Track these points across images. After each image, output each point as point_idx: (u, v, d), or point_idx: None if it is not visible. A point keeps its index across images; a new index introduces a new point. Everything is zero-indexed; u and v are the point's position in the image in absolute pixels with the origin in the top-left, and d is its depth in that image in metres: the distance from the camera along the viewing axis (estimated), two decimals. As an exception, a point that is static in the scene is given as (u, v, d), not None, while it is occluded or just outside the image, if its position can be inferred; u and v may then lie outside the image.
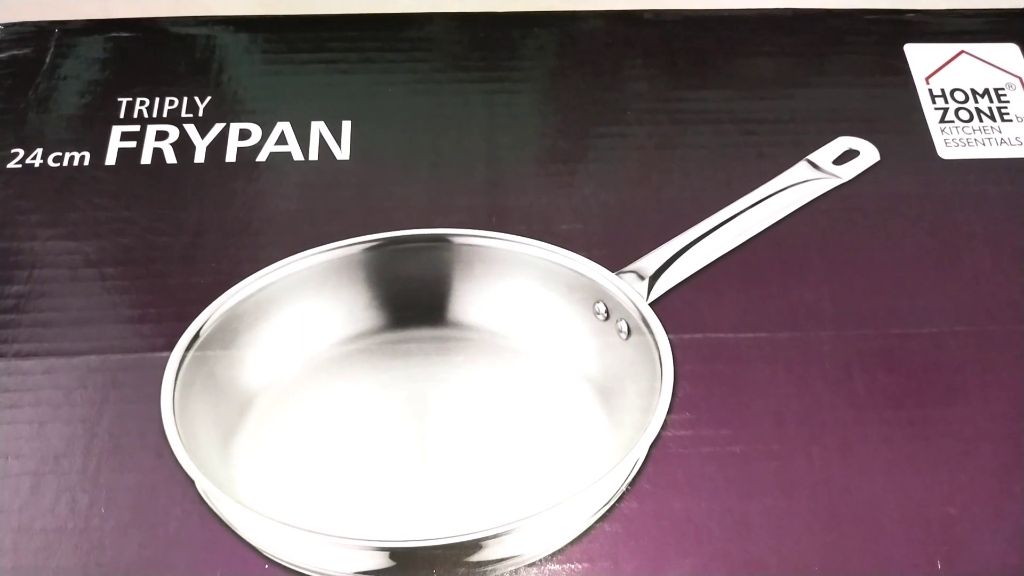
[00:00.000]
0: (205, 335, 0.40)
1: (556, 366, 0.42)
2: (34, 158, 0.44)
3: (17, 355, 0.39)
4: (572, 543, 0.36)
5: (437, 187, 0.44)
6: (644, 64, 0.47)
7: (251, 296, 0.41)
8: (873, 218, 0.43)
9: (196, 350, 0.39)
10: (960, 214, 0.44)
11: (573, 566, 0.35)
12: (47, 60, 0.48)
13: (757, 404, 0.38)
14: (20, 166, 0.44)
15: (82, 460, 0.37)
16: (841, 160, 0.44)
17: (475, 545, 0.35)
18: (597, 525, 0.36)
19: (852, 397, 0.39)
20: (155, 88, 0.46)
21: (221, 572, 0.35)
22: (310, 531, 0.35)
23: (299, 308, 0.42)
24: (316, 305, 0.42)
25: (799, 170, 0.44)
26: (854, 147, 0.45)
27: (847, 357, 0.40)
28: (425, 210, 0.43)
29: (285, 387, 0.41)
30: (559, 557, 0.35)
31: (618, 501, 0.36)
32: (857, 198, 0.44)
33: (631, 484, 0.36)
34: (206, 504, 0.36)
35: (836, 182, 0.44)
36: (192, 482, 0.36)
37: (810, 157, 0.45)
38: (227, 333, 0.40)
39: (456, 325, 0.42)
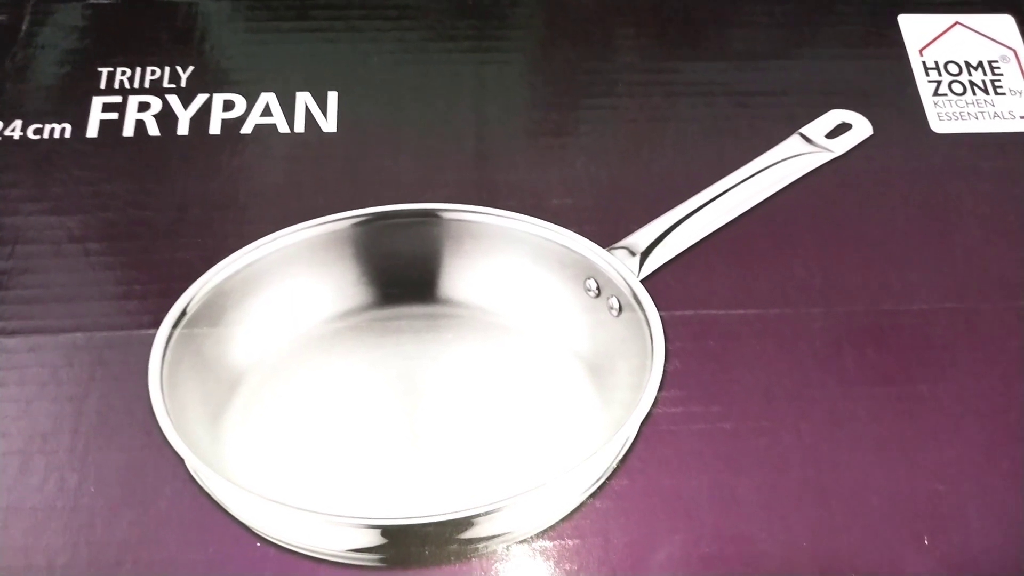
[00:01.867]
0: (192, 312, 0.39)
1: (547, 343, 0.42)
2: (13, 130, 0.43)
3: (1, 332, 0.39)
4: (563, 520, 0.36)
5: (426, 161, 0.43)
6: (636, 35, 0.47)
7: (238, 272, 0.40)
8: (864, 193, 0.43)
9: (183, 327, 0.39)
10: (952, 189, 0.44)
11: (564, 543, 0.36)
12: (23, 27, 0.47)
13: (747, 381, 0.38)
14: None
15: (70, 439, 0.37)
16: (834, 134, 0.44)
17: (467, 522, 0.35)
18: (588, 502, 0.36)
19: (841, 373, 0.39)
20: (136, 58, 0.45)
21: (212, 551, 0.35)
22: (301, 509, 0.35)
23: (287, 285, 0.42)
24: (304, 282, 0.42)
25: (791, 144, 0.44)
26: (847, 120, 0.45)
27: (837, 333, 0.40)
28: (414, 184, 0.42)
29: (274, 364, 0.41)
30: (550, 534, 0.36)
31: (609, 478, 0.36)
32: (849, 172, 0.44)
33: (622, 461, 0.37)
34: (196, 482, 0.36)
35: (829, 156, 0.44)
36: (182, 460, 0.36)
37: (802, 130, 0.45)
38: (214, 310, 0.40)
39: (446, 302, 0.42)
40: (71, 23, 0.46)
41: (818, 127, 0.44)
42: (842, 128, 0.45)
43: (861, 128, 0.45)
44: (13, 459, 0.36)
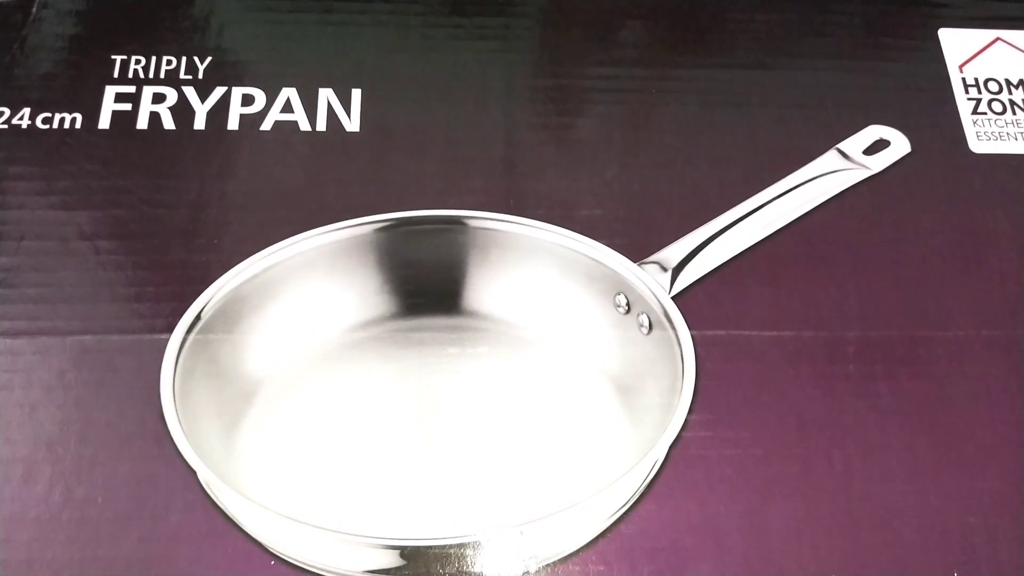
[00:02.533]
0: (207, 317, 0.38)
1: (574, 360, 0.41)
2: (21, 118, 0.42)
3: (6, 333, 0.38)
4: (588, 545, 0.35)
5: (452, 165, 0.42)
6: (673, 42, 0.46)
7: (255, 276, 0.40)
8: (901, 213, 0.43)
9: (197, 333, 0.38)
10: (990, 212, 0.43)
11: (589, 568, 0.35)
12: (33, 11, 0.45)
13: (779, 406, 0.38)
14: (7, 126, 0.42)
15: (77, 447, 0.36)
16: (872, 150, 0.44)
17: (488, 545, 0.34)
18: (614, 527, 0.35)
19: (875, 400, 0.38)
20: (151, 46, 0.44)
21: (224, 568, 0.34)
22: (318, 527, 0.34)
23: (306, 291, 0.41)
24: (324, 288, 0.41)
25: (828, 159, 0.43)
26: (885, 137, 0.44)
27: (871, 358, 0.39)
28: (439, 190, 0.42)
29: (292, 374, 0.40)
30: (574, 559, 0.35)
31: (636, 503, 0.36)
32: (886, 191, 0.43)
33: (649, 485, 0.36)
34: (208, 496, 0.35)
35: (866, 173, 0.43)
36: (194, 473, 0.35)
37: (840, 146, 0.44)
38: (230, 316, 0.39)
39: (471, 314, 0.41)
40: (83, 8, 0.45)
41: (856, 143, 0.44)
42: (880, 145, 0.44)
43: (899, 145, 0.44)
44: (17, 467, 0.35)
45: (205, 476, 0.35)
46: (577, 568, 0.35)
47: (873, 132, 0.44)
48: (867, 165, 0.43)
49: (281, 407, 0.39)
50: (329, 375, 0.40)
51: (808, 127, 0.44)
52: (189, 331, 0.38)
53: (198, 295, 0.38)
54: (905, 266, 0.41)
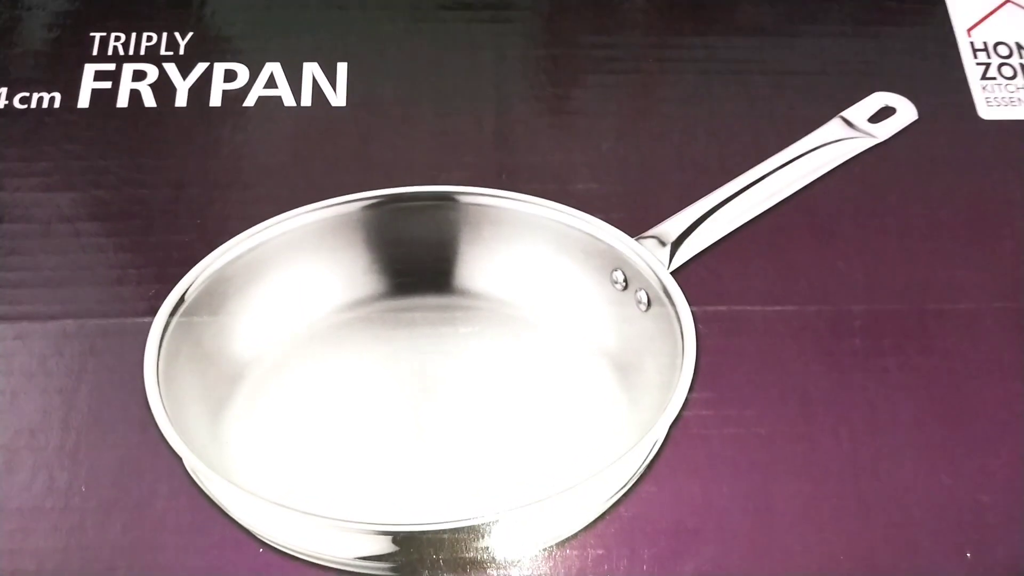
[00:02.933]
0: (191, 299, 0.38)
1: (570, 339, 0.40)
2: (-2, 98, 0.42)
3: (-15, 318, 0.37)
4: (586, 528, 0.34)
5: (442, 139, 0.41)
6: (668, 7, 0.45)
7: (240, 257, 0.39)
8: (909, 182, 0.42)
9: (181, 316, 0.37)
10: (1001, 180, 0.42)
11: (587, 552, 0.34)
12: (10, -11, 0.44)
13: (783, 382, 0.37)
14: (-17, 107, 0.41)
15: (60, 434, 0.35)
16: (877, 118, 0.43)
17: (484, 530, 0.33)
18: (613, 509, 0.35)
19: (883, 376, 0.37)
20: (131, 22, 0.43)
21: (211, 556, 0.33)
22: (307, 513, 0.33)
23: (293, 271, 0.40)
24: (312, 268, 0.40)
25: (832, 128, 0.42)
26: (891, 104, 0.43)
27: (879, 333, 0.38)
28: (429, 165, 0.41)
29: (279, 357, 0.39)
30: (572, 543, 0.34)
31: (635, 484, 0.35)
32: (892, 160, 0.42)
33: (649, 466, 0.35)
34: (195, 483, 0.34)
35: (871, 142, 0.42)
36: (179, 459, 0.34)
37: (844, 114, 0.43)
38: (215, 298, 0.38)
39: (463, 293, 0.41)
40: (61, -15, 0.44)
41: (860, 111, 0.43)
42: (886, 112, 0.43)
43: (906, 113, 0.43)
44: (-2, 455, 0.35)
45: (191, 462, 0.34)
46: (575, 552, 0.34)
47: (878, 99, 0.43)
48: (872, 133, 0.42)
49: (268, 390, 0.39)
50: (317, 357, 0.40)
51: (811, 95, 0.43)
52: (173, 314, 0.37)
53: (181, 276, 0.38)
54: (913, 237, 0.41)
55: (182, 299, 0.38)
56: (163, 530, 0.34)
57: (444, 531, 0.33)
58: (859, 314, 0.39)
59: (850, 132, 0.42)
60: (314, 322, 0.40)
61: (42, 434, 0.35)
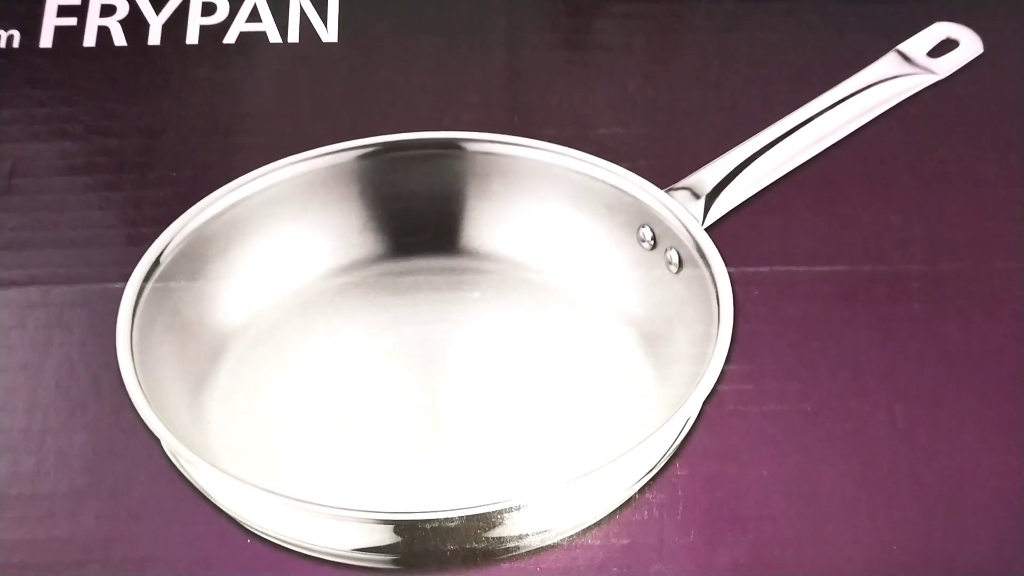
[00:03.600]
0: (167, 263, 0.36)
1: (591, 305, 0.39)
2: (-50, 37, 0.41)
3: (-60, 286, 0.36)
4: (610, 516, 0.33)
5: (446, 78, 0.40)
6: None
7: (222, 214, 0.37)
8: (974, 125, 0.40)
9: (156, 281, 0.36)
10: (1080, 121, 0.41)
11: (611, 543, 0.33)
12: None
13: (832, 353, 0.36)
14: (-66, 47, 0.41)
15: (25, 415, 0.34)
16: (937, 52, 0.41)
17: (496, 517, 0.32)
18: (640, 496, 0.33)
19: (945, 345, 0.36)
20: None
21: (194, 548, 0.32)
22: (300, 501, 0.32)
23: (280, 230, 0.39)
24: (301, 227, 0.39)
25: (887, 63, 0.41)
26: (953, 36, 0.41)
27: (939, 296, 0.37)
28: (432, 107, 0.39)
29: (265, 327, 0.38)
30: (595, 532, 0.33)
31: (664, 467, 0.34)
32: (955, 99, 0.40)
33: (680, 447, 0.34)
34: (175, 467, 0.33)
35: (931, 79, 0.40)
36: (158, 441, 0.33)
37: (901, 47, 0.41)
38: (194, 261, 0.37)
39: (471, 254, 0.39)
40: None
41: (919, 44, 0.41)
42: (947, 46, 0.41)
43: (969, 46, 0.41)
44: (-43, 438, 0.34)
45: (170, 445, 0.33)
46: (598, 542, 0.33)
47: (939, 30, 0.41)
48: (932, 69, 0.41)
49: (254, 365, 0.37)
50: (308, 327, 0.38)
51: (864, 25, 0.42)
52: (147, 279, 0.36)
53: (156, 236, 0.36)
54: (979, 187, 0.39)
55: (157, 262, 0.36)
56: (140, 519, 0.33)
57: (451, 520, 0.31)
58: (917, 275, 0.37)
59: (908, 68, 0.41)
60: (304, 288, 0.39)
61: (5, 415, 0.34)
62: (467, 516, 0.31)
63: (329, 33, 0.41)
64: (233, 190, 0.37)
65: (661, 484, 0.33)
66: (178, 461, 0.33)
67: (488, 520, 0.32)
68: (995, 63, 0.41)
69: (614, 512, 0.33)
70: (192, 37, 0.40)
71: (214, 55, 0.40)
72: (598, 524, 0.33)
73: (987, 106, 0.40)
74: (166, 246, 0.36)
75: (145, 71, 0.40)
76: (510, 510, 0.32)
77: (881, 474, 0.34)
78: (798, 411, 0.35)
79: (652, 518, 0.33)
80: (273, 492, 0.32)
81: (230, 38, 0.41)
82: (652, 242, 0.38)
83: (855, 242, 0.37)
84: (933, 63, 0.41)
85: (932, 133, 0.40)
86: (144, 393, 0.33)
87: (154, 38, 0.40)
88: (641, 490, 0.33)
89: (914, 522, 0.33)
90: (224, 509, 0.33)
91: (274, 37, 0.41)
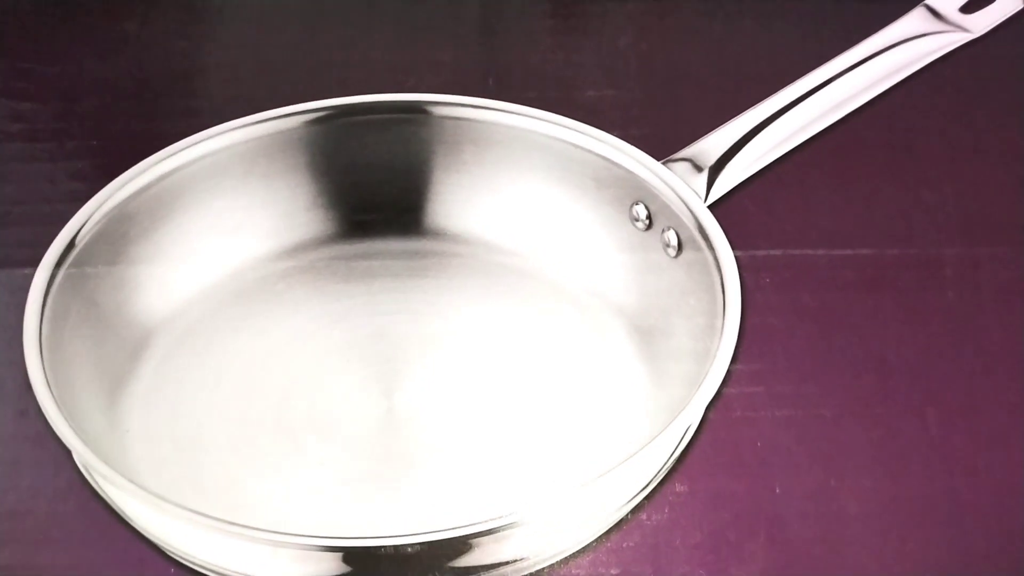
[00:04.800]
0: (83, 245, 0.35)
1: (577, 294, 0.37)
2: None
3: None
4: (597, 541, 0.31)
5: (410, 33, 0.39)
6: None
7: (147, 188, 0.36)
8: (1012, 90, 0.39)
9: (71, 266, 0.34)
10: None
11: (599, 573, 0.31)
12: None
13: (854, 350, 0.34)
14: None
15: None
16: (971, 7, 0.40)
17: (462, 544, 0.29)
18: (633, 516, 0.31)
19: (982, 340, 0.34)
20: None
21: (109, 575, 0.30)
22: (231, 524, 0.29)
23: (215, 207, 0.37)
24: (239, 203, 0.37)
25: (915, 19, 0.39)
26: None
27: (977, 283, 0.35)
28: (393, 68, 0.38)
29: (195, 319, 0.36)
30: (579, 561, 0.31)
31: (661, 483, 0.32)
32: (991, 61, 0.39)
33: (680, 459, 0.32)
34: (88, 483, 0.31)
35: (964, 37, 0.39)
36: (68, 452, 0.31)
37: (929, 2, 0.40)
38: (114, 242, 0.35)
39: (436, 235, 0.38)
40: None
41: None
42: (982, 0, 0.40)
43: (1007, 1, 0.40)
44: None
45: (82, 456, 0.30)
46: (583, 572, 0.30)
47: None
48: (965, 27, 0.39)
49: (182, 363, 0.35)
50: (245, 319, 0.36)
51: None
52: (60, 264, 0.34)
53: (72, 215, 0.35)
54: (1019, 160, 0.37)
55: (72, 244, 0.34)
56: (47, 544, 0.31)
57: (409, 546, 0.29)
58: (951, 259, 0.36)
59: (938, 25, 0.40)
60: (241, 273, 0.37)
61: None
62: (428, 542, 0.29)
63: (277, -20, 0.39)
64: (161, 160, 0.36)
65: (657, 503, 0.32)
66: (91, 475, 0.31)
67: (453, 547, 0.29)
68: (1034, 21, 0.40)
69: (602, 536, 0.31)
70: (119, -15, 0.39)
71: (145, 8, 0.39)
72: (583, 551, 0.31)
73: (1025, 69, 0.39)
74: (83, 225, 0.34)
75: (65, 26, 0.39)
76: (479, 535, 0.29)
77: (912, 490, 0.32)
78: (816, 417, 0.33)
79: (646, 543, 0.31)
80: (200, 514, 0.29)
81: (162, -14, 0.39)
82: (647, 221, 0.37)
83: (880, 222, 0.36)
84: (966, 20, 0.39)
85: (967, 98, 0.38)
86: (53, 395, 0.31)
87: (74, -13, 0.39)
88: (634, 510, 0.32)
89: (950, 543, 0.31)
90: (144, 532, 0.31)
91: (213, -15, 0.39)
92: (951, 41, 0.39)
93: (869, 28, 0.39)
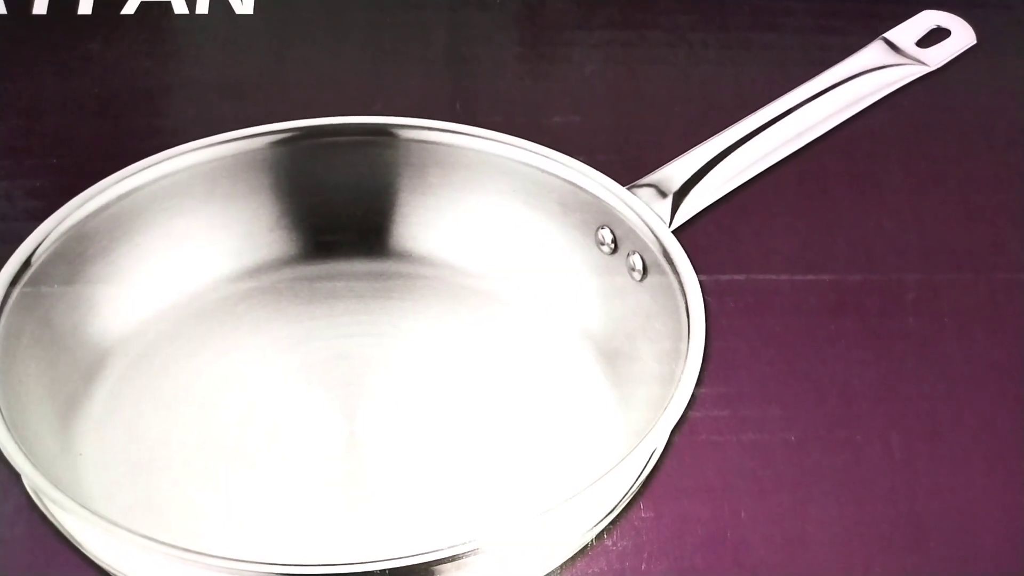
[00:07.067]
0: (39, 263, 0.34)
1: (542, 318, 0.37)
2: None
3: None
4: (562, 567, 0.31)
5: (378, 56, 0.39)
6: None
7: (106, 207, 0.35)
8: (968, 121, 0.39)
9: (26, 285, 0.34)
10: (1080, 117, 0.40)
11: None
12: None
13: (818, 374, 0.34)
14: None
15: None
16: (927, 41, 0.40)
17: (424, 571, 0.29)
18: (597, 542, 0.31)
19: (945, 364, 0.34)
20: None
21: None
22: (187, 551, 0.29)
23: (175, 226, 0.37)
24: (200, 222, 0.37)
25: (873, 52, 0.40)
26: (943, 24, 0.41)
27: (938, 309, 0.35)
28: (360, 90, 0.38)
29: (152, 341, 0.36)
30: None
31: (626, 508, 0.32)
32: (947, 93, 0.40)
33: (645, 484, 0.32)
34: (37, 508, 0.31)
35: (921, 70, 0.40)
36: (18, 476, 0.30)
37: (887, 35, 0.40)
38: (71, 261, 0.35)
39: (401, 256, 0.38)
40: None
41: (907, 32, 0.40)
42: (937, 35, 0.41)
43: (962, 36, 0.40)
44: None
45: (32, 480, 0.30)
46: None
47: (928, 19, 0.41)
48: (922, 60, 0.40)
49: (137, 385, 0.35)
50: (203, 341, 0.36)
51: (848, 11, 0.41)
52: (14, 282, 0.34)
53: (28, 233, 0.34)
54: (978, 188, 0.38)
55: (28, 263, 0.34)
56: None
57: (370, 574, 0.29)
58: (912, 285, 0.36)
59: (895, 58, 0.40)
60: (200, 294, 0.37)
61: None
62: (388, 569, 0.29)
63: (244, 5, 0.39)
64: (122, 180, 0.35)
65: (622, 528, 0.32)
66: (41, 500, 0.31)
67: (414, 574, 0.29)
68: (988, 54, 0.40)
69: (567, 563, 0.31)
70: (85, 7, 0.39)
71: (109, 28, 0.39)
72: (549, 576, 0.31)
73: (984, 101, 0.39)
74: (39, 244, 0.34)
75: (27, 43, 0.38)
76: (441, 562, 0.29)
77: (877, 514, 0.32)
78: (781, 441, 0.33)
79: (612, 569, 0.31)
80: (155, 540, 0.29)
81: (129, 8, 0.39)
82: (612, 245, 0.37)
83: (842, 248, 0.36)
84: (923, 53, 0.40)
85: (926, 128, 0.39)
86: (3, 417, 0.31)
87: (40, 7, 0.39)
88: (599, 536, 0.31)
89: (915, 570, 0.32)
90: (96, 560, 0.30)
91: (180, 7, 0.39)
92: (909, 73, 0.39)
93: (830, 60, 0.39)
